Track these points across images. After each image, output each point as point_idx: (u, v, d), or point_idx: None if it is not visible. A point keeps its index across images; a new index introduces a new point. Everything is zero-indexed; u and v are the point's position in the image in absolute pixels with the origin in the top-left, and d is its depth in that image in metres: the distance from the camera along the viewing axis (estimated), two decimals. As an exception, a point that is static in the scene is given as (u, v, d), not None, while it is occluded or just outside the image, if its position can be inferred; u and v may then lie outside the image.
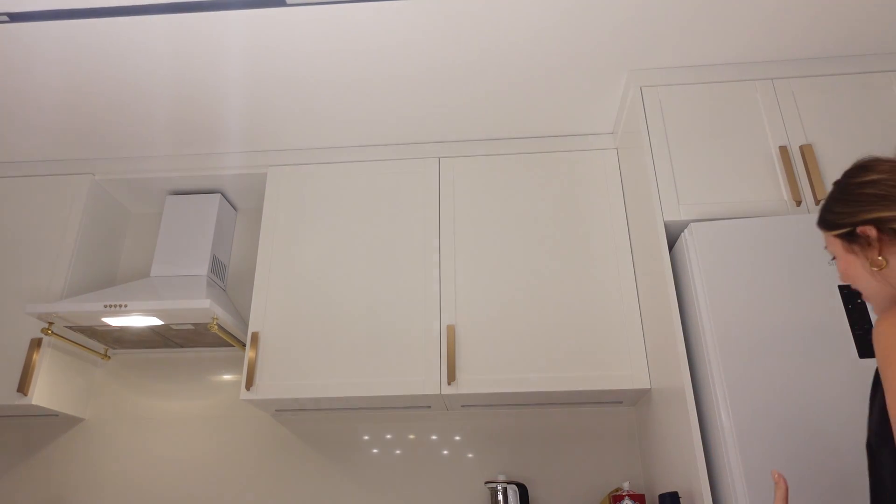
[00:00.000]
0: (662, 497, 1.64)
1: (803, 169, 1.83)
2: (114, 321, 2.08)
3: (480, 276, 2.12)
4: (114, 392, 2.41)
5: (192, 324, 2.12)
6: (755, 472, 1.40)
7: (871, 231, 0.98)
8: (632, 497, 1.86)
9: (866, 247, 0.99)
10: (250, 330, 2.10)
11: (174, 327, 2.16)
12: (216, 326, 2.07)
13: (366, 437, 2.26)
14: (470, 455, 2.20)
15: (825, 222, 1.07)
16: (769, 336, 1.53)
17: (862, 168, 1.03)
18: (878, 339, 0.88)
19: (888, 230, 0.97)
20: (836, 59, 1.99)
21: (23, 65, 1.95)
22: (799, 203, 1.77)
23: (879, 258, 0.97)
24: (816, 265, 1.59)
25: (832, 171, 1.82)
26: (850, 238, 1.02)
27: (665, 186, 1.84)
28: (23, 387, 2.04)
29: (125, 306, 1.99)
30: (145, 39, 1.86)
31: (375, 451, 2.24)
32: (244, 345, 2.31)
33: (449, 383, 1.95)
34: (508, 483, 1.99)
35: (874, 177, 1.00)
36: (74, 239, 2.30)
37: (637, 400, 2.12)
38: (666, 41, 1.91)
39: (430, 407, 2.19)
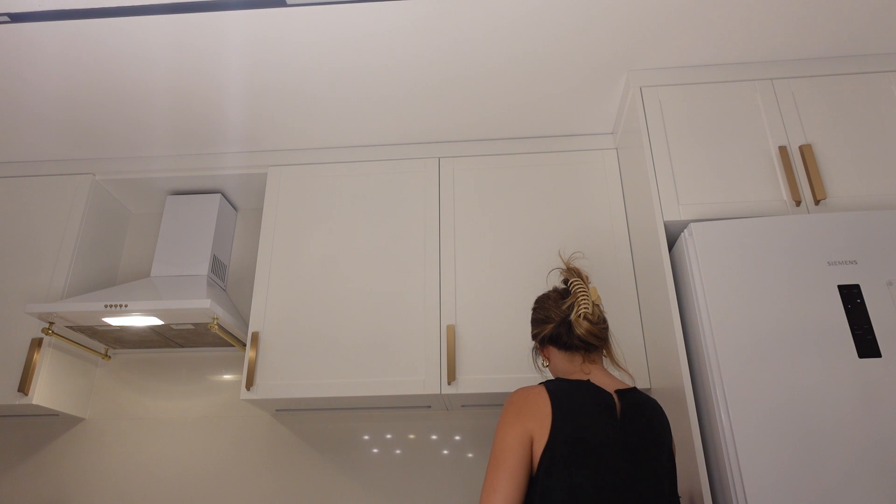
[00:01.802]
0: (662, 497, 1.64)
1: (803, 169, 1.83)
2: (114, 321, 2.08)
3: (480, 276, 2.12)
4: (114, 392, 2.41)
5: (193, 324, 2.13)
6: (755, 472, 1.40)
7: (536, 342, 1.50)
8: (632, 497, 1.86)
9: (538, 352, 1.51)
10: (250, 330, 2.10)
11: (174, 327, 2.16)
12: (216, 326, 2.07)
13: (366, 437, 2.26)
14: (470, 455, 2.20)
15: None
16: (769, 336, 1.53)
17: (535, 300, 1.55)
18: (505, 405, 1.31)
19: (540, 340, 1.47)
20: (836, 59, 1.99)
21: (23, 65, 1.96)
22: (798, 203, 1.77)
23: (544, 358, 1.49)
24: (816, 265, 1.59)
25: (832, 171, 1.82)
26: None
27: (665, 186, 1.85)
28: (23, 386, 2.04)
29: (125, 306, 1.99)
30: (145, 39, 1.86)
31: (375, 451, 2.24)
32: (244, 345, 2.31)
33: (449, 383, 1.95)
34: (508, 483, 1.98)
35: (534, 306, 1.52)
36: (74, 239, 2.30)
37: (637, 400, 2.12)
38: (666, 41, 1.91)
39: (430, 407, 2.19)
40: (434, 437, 2.24)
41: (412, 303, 2.10)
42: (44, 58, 1.93)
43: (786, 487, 1.38)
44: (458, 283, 2.12)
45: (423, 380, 1.98)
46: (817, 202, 1.77)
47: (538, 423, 1.23)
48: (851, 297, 1.54)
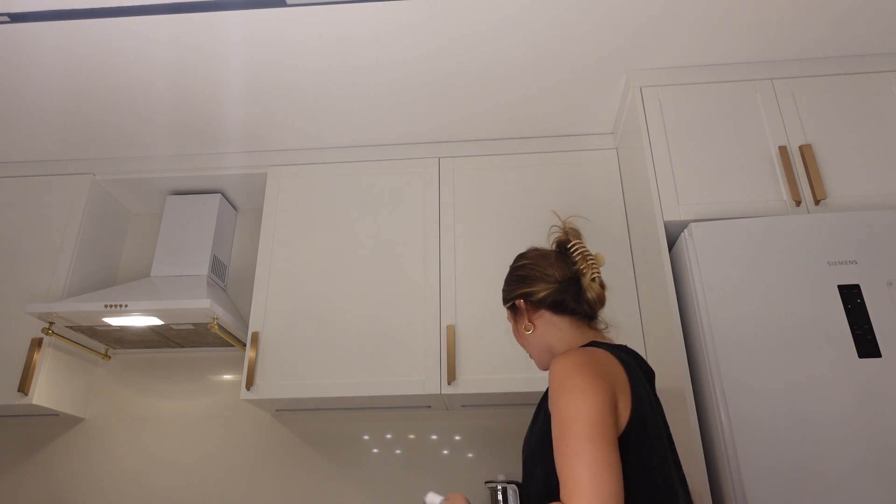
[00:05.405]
0: (662, 497, 1.64)
1: (803, 169, 1.83)
2: (114, 321, 2.08)
3: (480, 276, 2.12)
4: (114, 392, 2.41)
5: (193, 324, 2.12)
6: (755, 471, 1.41)
7: (521, 303, 1.24)
8: (632, 497, 1.86)
9: (520, 316, 1.25)
10: (250, 330, 2.10)
11: (174, 327, 2.16)
12: (216, 326, 2.07)
13: (366, 437, 2.26)
14: (470, 455, 2.20)
15: (502, 299, 1.32)
16: (769, 336, 1.53)
17: (519, 256, 1.31)
18: (553, 373, 1.02)
19: (530, 301, 1.23)
20: (836, 59, 1.99)
21: (23, 65, 1.95)
22: (798, 203, 1.77)
23: (528, 323, 1.24)
24: (816, 265, 1.59)
25: (832, 171, 1.82)
26: (512, 309, 1.28)
27: (665, 186, 1.85)
28: (23, 386, 2.04)
29: (125, 306, 1.99)
30: (145, 39, 1.86)
31: (375, 451, 2.24)
32: (244, 345, 2.31)
33: (449, 383, 1.95)
34: (508, 483, 1.99)
35: (523, 262, 1.27)
36: (74, 239, 2.30)
37: (637, 400, 2.12)
38: (666, 41, 1.91)
39: (430, 407, 2.19)
40: (434, 437, 2.24)
41: (412, 303, 2.10)
42: (43, 58, 1.93)
43: (785, 487, 1.38)
44: (458, 283, 2.12)
45: (424, 380, 1.98)
46: (817, 202, 1.77)
47: (621, 393, 1.00)
48: (851, 297, 1.54)
